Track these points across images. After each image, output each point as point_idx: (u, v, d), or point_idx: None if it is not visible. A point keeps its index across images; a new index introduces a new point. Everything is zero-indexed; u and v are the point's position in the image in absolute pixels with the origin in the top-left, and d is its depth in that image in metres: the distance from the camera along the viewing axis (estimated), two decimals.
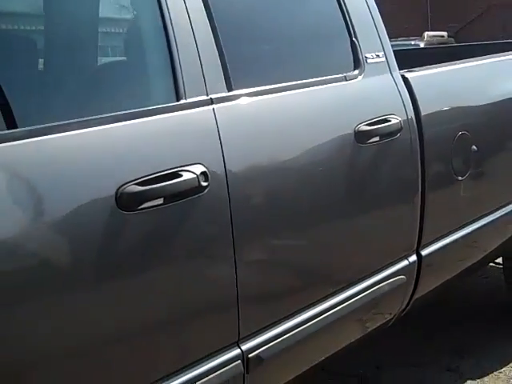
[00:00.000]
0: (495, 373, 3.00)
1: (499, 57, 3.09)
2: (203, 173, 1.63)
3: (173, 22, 1.70)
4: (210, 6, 1.80)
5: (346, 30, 2.27)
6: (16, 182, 1.37)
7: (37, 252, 1.36)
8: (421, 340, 3.31)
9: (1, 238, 1.29)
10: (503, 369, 3.02)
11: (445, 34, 16.91)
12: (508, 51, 3.21)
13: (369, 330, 2.35)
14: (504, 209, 2.89)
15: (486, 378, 2.96)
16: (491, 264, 3.51)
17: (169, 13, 1.70)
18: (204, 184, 1.63)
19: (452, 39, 16.86)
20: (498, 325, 3.40)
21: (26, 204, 1.36)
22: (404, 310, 2.50)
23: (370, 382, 3.01)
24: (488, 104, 2.85)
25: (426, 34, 15.82)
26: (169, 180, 1.57)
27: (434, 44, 13.97)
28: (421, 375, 2.99)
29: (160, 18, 1.69)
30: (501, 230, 2.96)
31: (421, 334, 3.36)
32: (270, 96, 1.93)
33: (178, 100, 1.70)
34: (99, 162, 1.51)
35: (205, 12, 1.79)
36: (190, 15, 1.74)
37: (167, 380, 1.62)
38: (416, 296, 2.53)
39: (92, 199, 1.46)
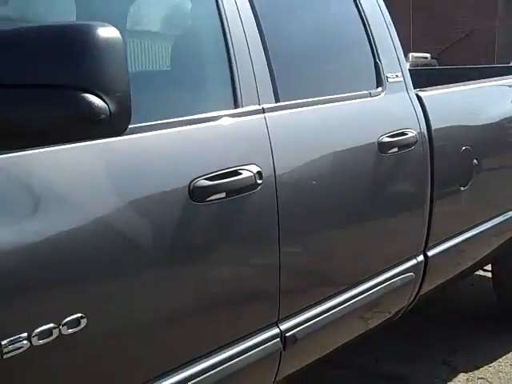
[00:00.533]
0: (485, 367, 3.30)
1: (498, 80, 3.41)
2: (258, 172, 1.89)
3: (234, 43, 1.97)
4: (264, 32, 2.08)
5: (370, 53, 2.56)
6: (119, 172, 1.62)
7: (129, 233, 1.61)
8: (418, 336, 3.60)
9: (110, 219, 1.54)
10: (492, 363, 3.33)
11: (428, 55, 17.34)
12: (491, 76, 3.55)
13: (383, 319, 2.63)
14: (498, 218, 3.19)
15: (476, 371, 3.25)
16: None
17: (230, 36, 1.98)
18: (259, 182, 1.89)
19: (435, 61, 17.28)
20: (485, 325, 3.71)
21: (125, 191, 1.61)
22: (411, 303, 2.79)
23: (371, 373, 3.28)
24: (487, 123, 3.16)
25: (411, 54, 16.20)
26: (231, 177, 1.83)
27: (418, 65, 14.35)
28: (418, 367, 3.28)
29: (223, 40, 1.97)
30: (494, 237, 3.26)
31: (418, 331, 3.65)
32: (309, 108, 2.20)
33: (235, 108, 1.97)
34: (177, 159, 1.77)
35: (259, 36, 2.06)
36: (248, 38, 2.02)
37: (219, 351, 1.87)
38: (422, 292, 2.82)
39: (172, 190, 1.71)
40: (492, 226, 3.15)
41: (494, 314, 3.80)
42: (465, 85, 3.21)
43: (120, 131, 1.29)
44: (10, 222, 1.36)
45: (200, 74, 2.07)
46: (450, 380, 3.17)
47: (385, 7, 2.73)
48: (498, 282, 3.69)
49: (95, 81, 1.20)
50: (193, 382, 1.78)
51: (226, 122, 1.93)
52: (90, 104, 1.20)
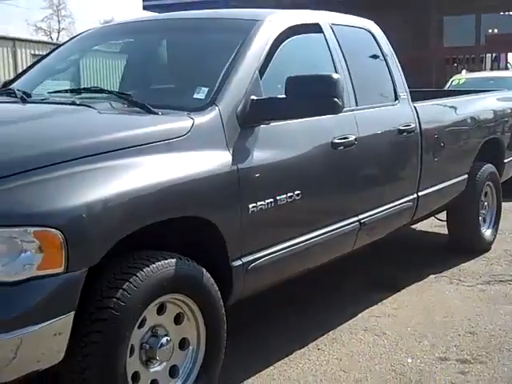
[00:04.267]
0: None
1: (460, 98, 5.74)
2: (355, 138, 4.05)
3: (337, 69, 4.09)
4: (348, 64, 4.23)
5: (390, 81, 4.77)
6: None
7: (306, 171, 3.73)
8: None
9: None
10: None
11: None
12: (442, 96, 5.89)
13: (398, 226, 4.83)
14: (456, 178, 5.45)
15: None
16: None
17: (335, 65, 4.12)
18: (355, 142, 4.04)
19: None
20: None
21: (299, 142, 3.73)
22: (411, 221, 5.00)
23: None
24: (452, 121, 5.42)
25: None
26: (346, 139, 3.98)
27: None
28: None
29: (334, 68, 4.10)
30: (452, 191, 5.50)
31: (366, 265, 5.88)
32: (369, 109, 4.37)
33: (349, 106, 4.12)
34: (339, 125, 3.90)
35: (346, 67, 4.21)
36: (343, 69, 4.17)
37: (342, 221, 4.02)
38: (414, 217, 5.02)
39: (324, 142, 3.84)
40: (451, 184, 5.40)
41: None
42: (433, 101, 5.48)
43: (340, 111, 3.44)
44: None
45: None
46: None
47: (393, 51, 4.93)
48: (450, 222, 5.94)
49: (339, 93, 3.34)
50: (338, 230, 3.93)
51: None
52: (338, 103, 3.34)
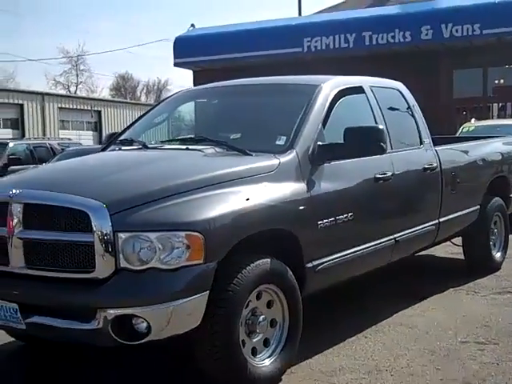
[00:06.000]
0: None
1: (471, 142, 6.97)
2: (392, 173, 5.24)
3: (378, 122, 5.29)
4: (385, 118, 5.45)
5: (416, 129, 5.99)
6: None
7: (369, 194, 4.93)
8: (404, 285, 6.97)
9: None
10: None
11: None
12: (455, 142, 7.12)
13: (424, 245, 6.00)
14: (470, 208, 6.63)
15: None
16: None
17: (375, 119, 5.33)
18: (391, 177, 5.24)
19: None
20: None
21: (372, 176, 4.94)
22: (433, 242, 6.17)
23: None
24: (465, 162, 6.62)
25: None
26: (384, 174, 5.17)
27: None
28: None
29: (375, 121, 5.32)
30: (466, 218, 6.67)
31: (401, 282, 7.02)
32: (402, 152, 5.57)
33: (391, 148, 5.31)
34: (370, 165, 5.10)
35: (383, 119, 5.42)
36: (380, 121, 5.39)
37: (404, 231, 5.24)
38: (436, 239, 6.19)
39: (369, 177, 5.03)
40: (466, 213, 6.58)
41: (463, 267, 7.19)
42: (450, 145, 6.71)
43: (385, 153, 4.67)
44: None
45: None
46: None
47: (417, 104, 6.15)
48: (465, 246, 7.10)
49: (383, 139, 4.57)
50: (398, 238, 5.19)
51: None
52: (383, 146, 4.57)
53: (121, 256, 3.53)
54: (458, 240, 7.20)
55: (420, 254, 7.09)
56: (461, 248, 7.25)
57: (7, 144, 16.01)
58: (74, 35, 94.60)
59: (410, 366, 4.43)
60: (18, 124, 32.12)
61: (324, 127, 4.77)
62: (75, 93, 59.34)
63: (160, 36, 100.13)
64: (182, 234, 3.59)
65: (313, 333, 4.68)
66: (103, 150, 5.31)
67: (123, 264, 3.54)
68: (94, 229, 3.53)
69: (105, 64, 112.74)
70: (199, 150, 4.56)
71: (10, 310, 3.69)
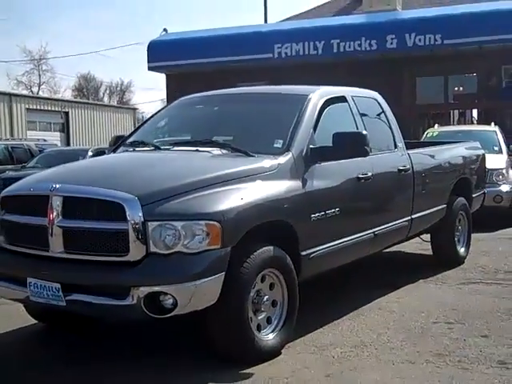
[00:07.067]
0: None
1: (438, 147, 7.71)
2: (372, 174, 5.91)
3: (359, 128, 5.95)
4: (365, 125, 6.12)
5: (391, 135, 6.68)
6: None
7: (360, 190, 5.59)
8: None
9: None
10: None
11: None
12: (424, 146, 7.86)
13: (398, 239, 6.70)
14: (438, 206, 7.34)
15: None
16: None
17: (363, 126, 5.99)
18: (371, 177, 5.91)
19: None
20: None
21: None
22: (406, 237, 6.87)
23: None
24: (434, 164, 7.34)
25: None
26: (366, 174, 5.84)
27: None
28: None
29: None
30: (434, 215, 7.38)
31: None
32: (379, 155, 6.24)
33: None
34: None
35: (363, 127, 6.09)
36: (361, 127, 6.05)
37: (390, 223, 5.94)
38: (409, 234, 6.89)
39: (353, 177, 5.69)
40: (434, 211, 7.29)
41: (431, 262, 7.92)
42: (420, 149, 7.42)
43: (368, 155, 5.35)
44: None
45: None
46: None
47: (391, 112, 6.84)
48: (433, 241, 7.82)
49: (367, 143, 5.25)
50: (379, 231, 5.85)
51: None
52: (367, 149, 5.25)
53: (150, 242, 4.12)
54: (427, 237, 7.93)
55: (393, 250, 7.85)
56: (429, 244, 7.98)
57: None
58: (36, 35, 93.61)
59: (391, 342, 5.09)
60: None
61: (314, 132, 5.41)
62: (37, 93, 59.14)
63: (121, 36, 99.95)
64: (203, 223, 4.19)
65: (304, 316, 5.29)
66: (114, 151, 5.86)
67: (153, 249, 4.13)
68: (128, 218, 4.11)
69: (67, 64, 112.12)
70: (208, 152, 5.15)
71: (53, 289, 4.25)
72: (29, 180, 4.97)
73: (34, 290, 4.36)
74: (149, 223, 4.12)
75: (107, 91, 73.42)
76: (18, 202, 4.72)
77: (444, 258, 7.80)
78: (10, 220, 4.71)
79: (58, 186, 4.36)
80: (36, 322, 5.59)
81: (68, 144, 35.34)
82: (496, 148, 12.28)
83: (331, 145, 5.28)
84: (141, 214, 4.11)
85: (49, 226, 4.32)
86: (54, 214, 4.30)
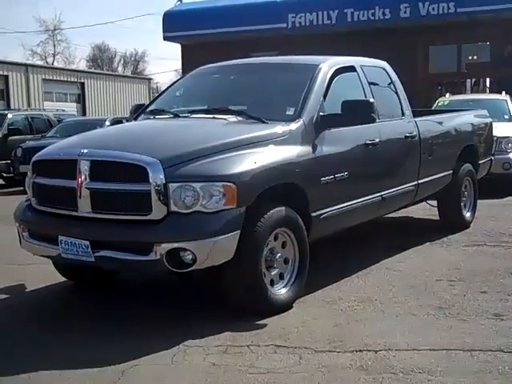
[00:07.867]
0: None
1: (446, 114, 7.97)
2: (379, 141, 6.20)
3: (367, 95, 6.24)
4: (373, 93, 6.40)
5: (399, 103, 6.96)
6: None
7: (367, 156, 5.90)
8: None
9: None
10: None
11: None
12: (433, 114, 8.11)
13: (405, 204, 7.01)
14: (444, 172, 7.64)
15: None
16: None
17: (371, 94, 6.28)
18: (379, 143, 6.20)
19: None
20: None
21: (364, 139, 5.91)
22: (412, 201, 7.18)
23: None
24: (440, 131, 7.62)
25: None
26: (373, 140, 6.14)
27: None
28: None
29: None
30: (441, 181, 7.68)
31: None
32: (386, 122, 6.53)
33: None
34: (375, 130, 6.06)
35: (371, 94, 6.37)
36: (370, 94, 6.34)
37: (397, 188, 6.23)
38: (416, 198, 7.21)
39: (361, 143, 6.00)
40: (440, 176, 7.59)
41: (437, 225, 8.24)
42: (427, 117, 7.70)
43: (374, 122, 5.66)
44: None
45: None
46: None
47: (399, 80, 7.10)
48: (440, 207, 8.13)
49: (374, 110, 5.55)
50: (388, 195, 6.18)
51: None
52: (374, 116, 5.55)
53: (171, 202, 4.47)
54: (434, 203, 8.23)
55: (400, 215, 8.17)
56: (436, 210, 8.29)
57: (6, 115, 16.64)
58: (51, 3, 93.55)
59: (395, 297, 5.44)
60: (3, 95, 32.54)
61: (324, 100, 5.71)
62: (52, 64, 59.38)
63: (135, 5, 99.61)
64: (220, 184, 4.53)
65: (315, 275, 5.64)
66: (135, 118, 6.20)
67: (173, 208, 4.48)
68: (151, 180, 4.46)
69: (81, 34, 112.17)
70: (224, 119, 5.47)
71: (82, 245, 4.62)
72: (58, 145, 5.33)
73: (64, 247, 4.74)
74: (170, 184, 4.47)
75: (121, 61, 73.64)
76: (48, 166, 5.09)
77: (450, 223, 8.11)
78: (41, 183, 5.08)
79: (85, 150, 4.71)
80: (64, 279, 5.99)
81: (84, 114, 35.65)
82: (506, 116, 12.51)
83: (340, 112, 5.57)
84: (162, 176, 4.45)
85: (77, 187, 4.68)
86: (82, 176, 4.65)
